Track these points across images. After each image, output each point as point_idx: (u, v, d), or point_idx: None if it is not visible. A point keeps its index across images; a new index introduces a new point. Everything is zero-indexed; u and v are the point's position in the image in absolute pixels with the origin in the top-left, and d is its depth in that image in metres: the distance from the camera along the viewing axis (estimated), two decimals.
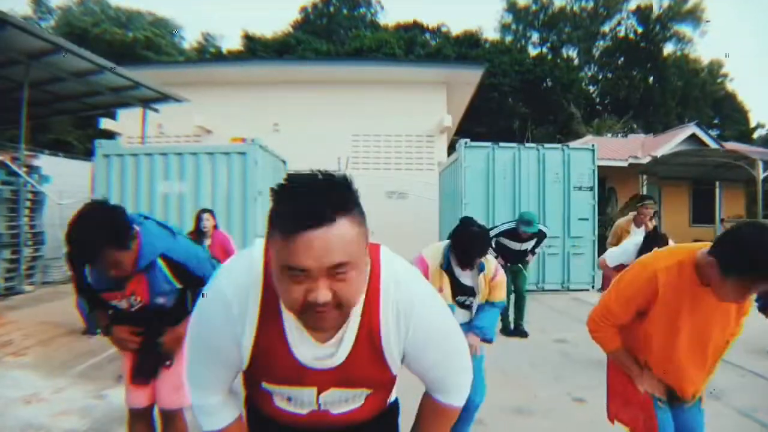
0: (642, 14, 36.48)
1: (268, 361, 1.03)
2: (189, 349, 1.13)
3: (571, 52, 39.78)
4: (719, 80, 40.12)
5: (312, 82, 13.36)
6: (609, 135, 26.71)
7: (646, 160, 13.32)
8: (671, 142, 14.70)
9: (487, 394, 3.08)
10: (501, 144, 8.41)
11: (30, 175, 8.11)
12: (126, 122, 13.18)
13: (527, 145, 8.57)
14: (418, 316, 1.04)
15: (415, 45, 32.68)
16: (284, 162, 9.75)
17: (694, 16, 37.45)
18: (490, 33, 40.19)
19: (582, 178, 8.23)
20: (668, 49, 37.34)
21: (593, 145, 8.59)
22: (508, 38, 39.81)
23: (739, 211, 17.58)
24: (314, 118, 12.79)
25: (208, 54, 39.58)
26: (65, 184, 9.34)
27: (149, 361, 2.07)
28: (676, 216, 16.70)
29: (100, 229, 1.75)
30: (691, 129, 15.39)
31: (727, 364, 4.42)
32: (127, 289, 1.94)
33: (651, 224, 5.08)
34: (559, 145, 8.84)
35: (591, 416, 3.07)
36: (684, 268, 1.64)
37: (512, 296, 5.58)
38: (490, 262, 2.67)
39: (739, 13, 66.67)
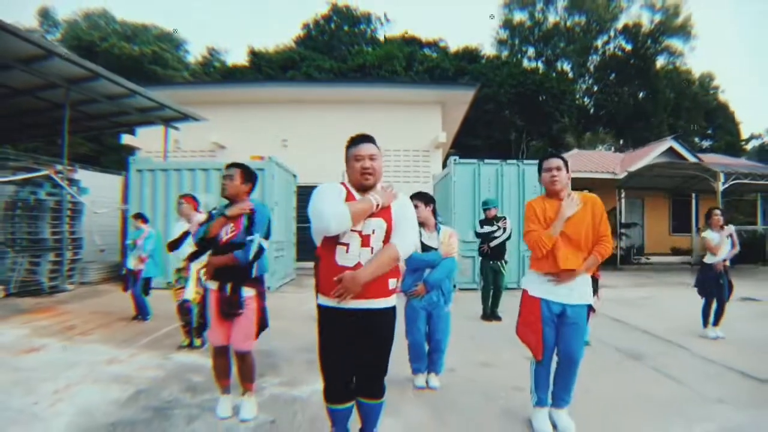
0: (631, 32, 37.58)
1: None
2: (330, 196, 2.42)
3: (566, 66, 40.92)
4: (711, 92, 41.19)
5: (318, 102, 14.47)
6: (601, 147, 27.79)
7: (623, 175, 14.39)
8: (649, 156, 15.72)
9: (461, 354, 4.20)
10: (486, 161, 9.52)
11: (70, 187, 9.15)
12: (144, 138, 14.25)
13: (508, 161, 9.63)
14: (405, 206, 2.51)
15: (415, 61, 33.76)
16: (294, 176, 10.85)
17: (684, 31, 38.68)
18: (488, 48, 41.35)
19: None
20: (660, 62, 38.45)
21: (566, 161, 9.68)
22: (505, 53, 41.03)
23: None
24: (320, 134, 13.84)
25: (213, 68, 40.76)
26: (94, 195, 10.32)
27: (227, 305, 3.10)
28: (657, 225, 17.75)
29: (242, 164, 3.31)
30: (668, 143, 16.43)
31: (658, 339, 5.52)
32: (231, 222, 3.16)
33: None
34: (535, 161, 9.95)
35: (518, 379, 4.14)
36: (541, 197, 3.12)
37: (491, 290, 6.74)
38: (446, 230, 3.85)
39: (730, 26, 68.11)
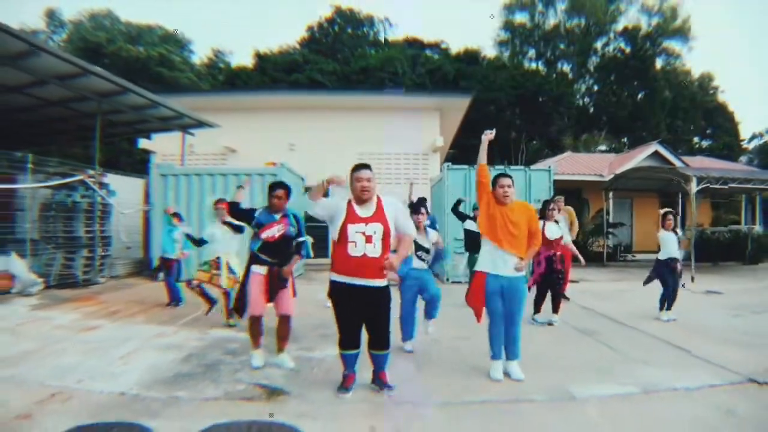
0: (630, 34, 38.31)
1: (350, 215, 3.49)
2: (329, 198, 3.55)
3: (566, 68, 41.72)
4: (710, 92, 41.79)
5: (323, 108, 15.47)
6: (598, 148, 28.71)
7: (610, 177, 15.34)
8: (635, 159, 16.69)
9: (446, 331, 5.21)
10: (475, 166, 10.44)
11: (101, 190, 10.12)
12: (159, 142, 15.23)
13: (497, 167, 10.59)
14: (400, 209, 3.68)
15: (417, 65, 34.66)
16: (302, 178, 11.84)
17: (682, 33, 39.41)
18: (489, 49, 42.15)
19: (541, 194, 10.29)
20: (658, 63, 39.12)
21: (549, 167, 10.71)
22: (506, 54, 41.89)
23: (705, 219, 19.54)
24: (325, 139, 14.85)
25: (218, 69, 41.81)
26: (118, 197, 11.25)
27: (275, 285, 4.19)
28: (647, 224, 18.63)
29: (286, 184, 4.33)
30: (654, 147, 17.40)
31: (613, 321, 6.50)
32: (279, 221, 4.22)
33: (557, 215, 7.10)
34: (522, 167, 11.00)
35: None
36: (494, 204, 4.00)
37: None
38: (434, 233, 5.00)
39: (730, 25, 68.75)
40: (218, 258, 6.06)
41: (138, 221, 12.36)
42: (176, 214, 7.63)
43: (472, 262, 7.79)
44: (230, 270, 6.00)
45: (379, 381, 3.77)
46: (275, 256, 4.24)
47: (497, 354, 4.14)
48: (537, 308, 6.48)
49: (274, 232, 4.22)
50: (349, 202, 3.58)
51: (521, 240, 4.03)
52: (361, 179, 3.54)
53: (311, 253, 4.62)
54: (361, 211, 3.54)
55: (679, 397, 3.75)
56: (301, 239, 4.37)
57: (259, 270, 4.25)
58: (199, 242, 6.58)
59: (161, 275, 7.62)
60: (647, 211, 18.62)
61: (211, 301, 6.43)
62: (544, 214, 6.43)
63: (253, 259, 4.28)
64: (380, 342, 3.66)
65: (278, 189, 4.31)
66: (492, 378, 4.05)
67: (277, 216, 4.28)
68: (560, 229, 6.58)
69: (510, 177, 4.15)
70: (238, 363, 4.42)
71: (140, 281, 10.28)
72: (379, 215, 3.54)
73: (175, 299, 7.35)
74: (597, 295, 8.89)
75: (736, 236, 16.76)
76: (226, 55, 45.75)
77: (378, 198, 3.63)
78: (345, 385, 3.71)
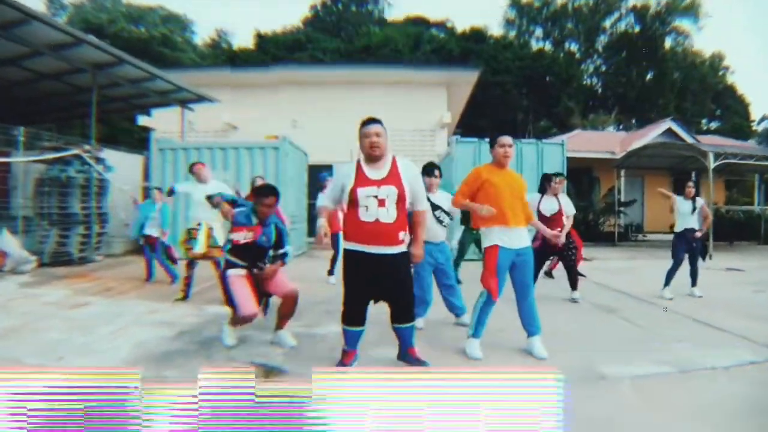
0: (639, 13, 37.45)
1: (359, 178, 3.06)
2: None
3: (574, 47, 40.93)
4: (720, 73, 40.94)
5: (326, 83, 15.02)
6: (602, 128, 28.19)
7: (622, 155, 14.91)
8: (648, 136, 16.22)
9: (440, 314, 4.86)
10: (486, 140, 10.05)
11: (97, 165, 9.78)
12: (159, 119, 14.85)
13: None
14: (416, 175, 3.21)
15: (422, 42, 33.96)
16: (306, 154, 11.46)
17: (692, 11, 38.46)
18: (495, 28, 41.31)
19: (553, 169, 9.85)
20: (668, 43, 38.32)
21: (563, 141, 10.28)
22: (512, 33, 41.06)
23: (719, 199, 19.07)
24: (329, 115, 14.41)
25: (221, 49, 41.22)
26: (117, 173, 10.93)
27: (260, 288, 3.92)
28: (658, 203, 18.23)
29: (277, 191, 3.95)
30: (667, 124, 16.91)
31: (632, 297, 6.16)
32: (251, 228, 3.87)
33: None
34: (534, 141, 10.53)
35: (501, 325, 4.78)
36: (489, 165, 3.74)
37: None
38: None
39: (740, 7, 67.25)
40: (199, 224, 5.73)
41: (137, 198, 12.02)
42: (158, 189, 7.39)
43: (467, 238, 7.34)
44: (213, 238, 5.71)
45: (408, 357, 3.36)
46: (244, 258, 3.92)
47: (480, 333, 3.78)
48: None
49: (240, 237, 3.88)
50: (359, 163, 3.17)
51: (524, 207, 3.78)
52: (369, 134, 3.09)
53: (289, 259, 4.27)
54: (372, 173, 3.09)
55: (719, 376, 3.40)
56: (282, 251, 4.03)
57: (238, 271, 3.90)
58: (170, 192, 6.36)
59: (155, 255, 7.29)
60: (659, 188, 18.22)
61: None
62: (543, 187, 5.92)
63: (228, 264, 3.95)
64: (404, 314, 3.25)
65: (269, 197, 3.87)
66: (470, 356, 3.70)
67: (254, 222, 3.90)
68: (559, 202, 5.89)
69: (511, 137, 3.77)
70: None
71: (138, 259, 9.90)
72: (393, 177, 3.08)
73: (171, 276, 7.04)
74: (609, 272, 8.59)
75: (750, 216, 16.45)
76: (228, 35, 45.15)
77: (393, 158, 3.19)
78: (344, 361, 3.32)
